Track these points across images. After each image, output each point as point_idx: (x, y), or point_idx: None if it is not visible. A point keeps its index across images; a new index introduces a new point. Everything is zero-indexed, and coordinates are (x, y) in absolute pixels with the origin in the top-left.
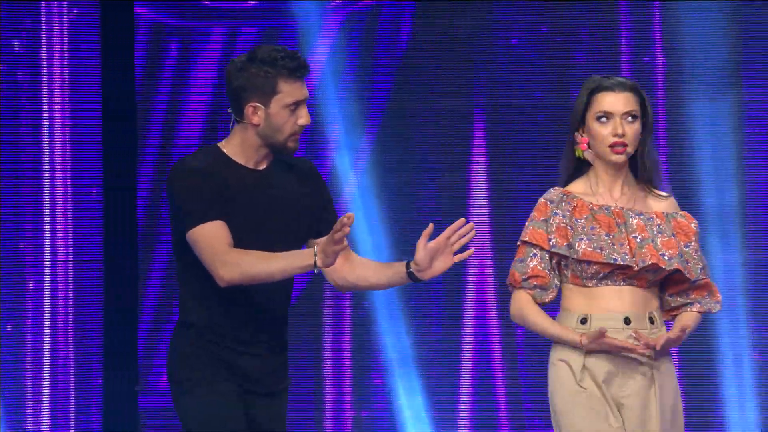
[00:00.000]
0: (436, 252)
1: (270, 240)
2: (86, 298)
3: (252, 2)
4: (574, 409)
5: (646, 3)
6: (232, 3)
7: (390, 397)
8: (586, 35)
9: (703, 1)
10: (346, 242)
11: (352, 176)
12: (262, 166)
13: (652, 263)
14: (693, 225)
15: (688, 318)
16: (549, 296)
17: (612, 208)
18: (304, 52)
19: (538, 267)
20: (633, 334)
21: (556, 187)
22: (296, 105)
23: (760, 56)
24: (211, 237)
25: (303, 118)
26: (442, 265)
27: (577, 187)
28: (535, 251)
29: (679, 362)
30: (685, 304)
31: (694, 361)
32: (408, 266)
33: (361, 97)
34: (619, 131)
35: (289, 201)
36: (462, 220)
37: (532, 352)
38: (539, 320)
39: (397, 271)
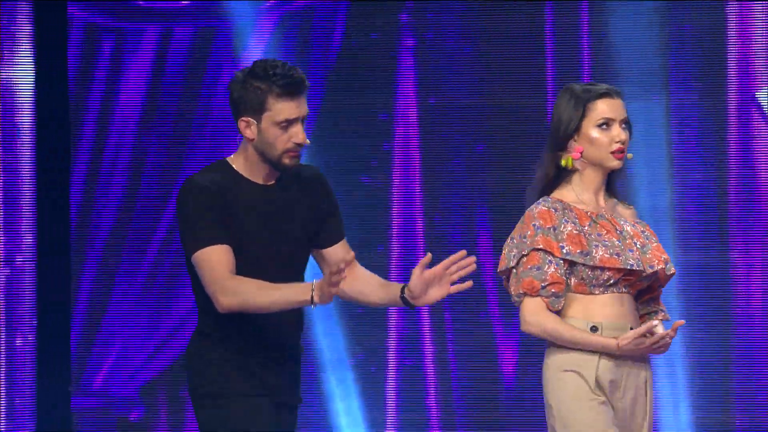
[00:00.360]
0: (432, 281)
1: (278, 256)
2: (19, 298)
3: (185, 2)
4: (595, 421)
5: (573, 3)
6: (166, 3)
7: (324, 398)
8: (515, 36)
9: (632, 1)
10: (342, 283)
11: None
12: (270, 181)
13: (661, 268)
14: (652, 231)
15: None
16: (561, 304)
17: (605, 215)
18: (237, 52)
19: (556, 274)
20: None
21: (547, 197)
22: (288, 123)
23: (688, 58)
24: (213, 262)
25: (296, 136)
26: (437, 293)
27: (566, 195)
28: (550, 258)
29: None
30: (650, 312)
31: None
32: (403, 291)
33: None
34: (622, 137)
35: (297, 215)
36: (463, 252)
37: (464, 353)
38: (562, 327)
39: (393, 293)
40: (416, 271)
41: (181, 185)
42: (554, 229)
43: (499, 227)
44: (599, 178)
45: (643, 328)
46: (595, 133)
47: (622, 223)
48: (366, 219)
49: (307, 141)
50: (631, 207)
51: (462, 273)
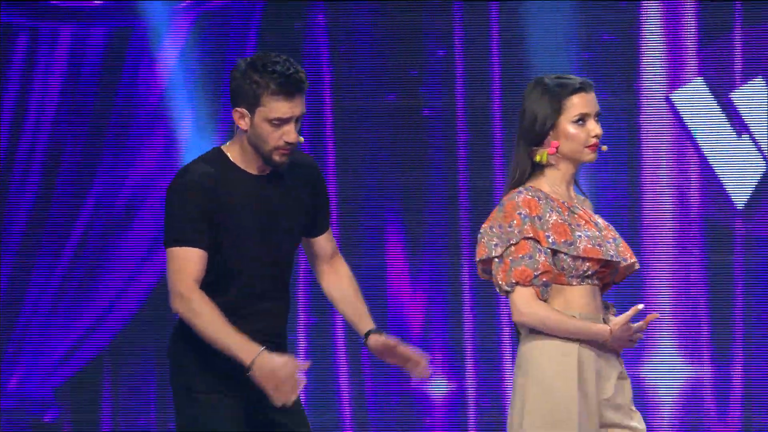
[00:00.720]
0: (392, 354)
1: (269, 247)
2: None
3: (100, 2)
4: (576, 401)
5: (483, 3)
6: (81, 2)
7: None
8: (425, 35)
9: (545, 0)
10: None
11: None
12: (266, 171)
13: (633, 261)
14: None
15: None
16: (549, 293)
17: (578, 207)
18: (153, 51)
19: (547, 263)
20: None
21: (528, 186)
22: (280, 121)
23: (600, 57)
24: (183, 262)
25: (288, 135)
26: (391, 361)
27: (540, 184)
28: (539, 247)
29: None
30: (605, 306)
31: None
32: (367, 335)
33: (212, 98)
34: (598, 131)
35: (290, 206)
36: (425, 363)
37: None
38: (556, 316)
39: (357, 326)
40: (380, 339)
41: (176, 174)
42: (539, 219)
43: (412, 228)
44: (571, 171)
45: (631, 311)
46: (571, 128)
47: (594, 214)
48: None
49: (301, 139)
50: (587, 200)
51: (417, 375)
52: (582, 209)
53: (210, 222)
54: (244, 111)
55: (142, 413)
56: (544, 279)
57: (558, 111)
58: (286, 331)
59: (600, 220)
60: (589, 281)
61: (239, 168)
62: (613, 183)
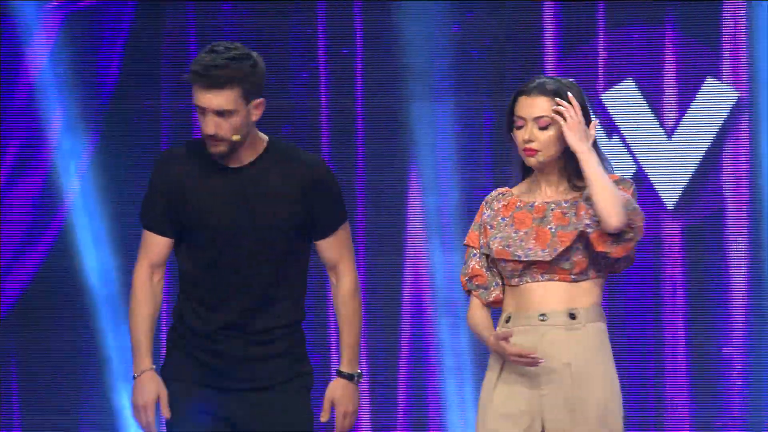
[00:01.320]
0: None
1: (248, 243)
2: None
3: None
4: None
5: (345, 3)
6: None
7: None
8: (293, 36)
9: (407, 1)
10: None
11: (74, 180)
12: (245, 163)
13: (543, 255)
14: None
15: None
16: (492, 295)
17: (536, 203)
18: (23, 51)
19: (476, 266)
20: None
21: (499, 189)
22: (201, 110)
23: (474, 59)
24: (144, 245)
25: (203, 126)
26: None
27: (520, 186)
28: (475, 251)
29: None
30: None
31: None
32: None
33: (83, 99)
34: (525, 137)
35: (268, 202)
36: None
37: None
38: (473, 323)
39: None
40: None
41: (161, 152)
42: (482, 224)
43: None
44: (545, 170)
45: (500, 333)
46: (514, 132)
47: (551, 209)
48: None
49: (219, 133)
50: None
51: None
52: (541, 204)
53: (173, 206)
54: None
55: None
56: (477, 282)
57: (510, 113)
58: (279, 328)
59: (555, 213)
60: (529, 279)
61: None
62: (488, 183)
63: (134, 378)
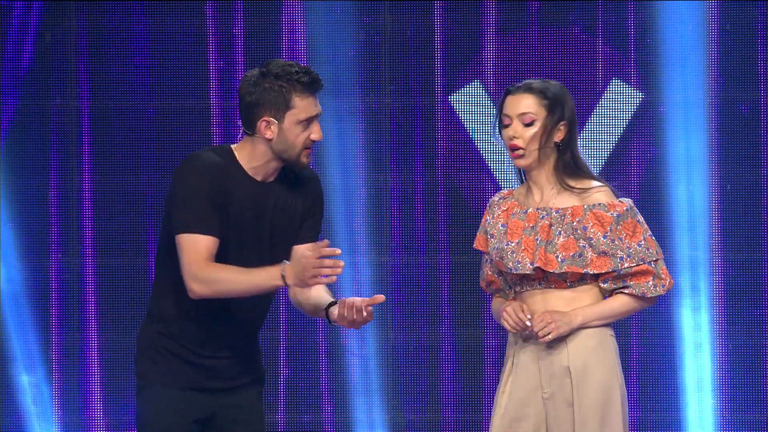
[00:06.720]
0: (351, 308)
1: (264, 253)
2: None
3: None
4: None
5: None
6: None
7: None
8: (182, 35)
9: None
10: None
11: None
12: (270, 179)
13: (537, 267)
14: (611, 213)
15: (606, 301)
16: (511, 296)
17: (529, 210)
18: None
19: (489, 273)
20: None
21: (502, 190)
22: (309, 121)
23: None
24: (194, 248)
25: (315, 133)
26: (357, 317)
27: (521, 188)
28: (486, 257)
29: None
30: (622, 289)
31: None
32: (328, 308)
33: None
34: (509, 134)
35: (290, 215)
36: (380, 299)
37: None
38: (494, 309)
39: (319, 306)
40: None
41: (185, 158)
42: (485, 229)
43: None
44: (534, 175)
45: (517, 303)
46: (503, 132)
47: (542, 218)
48: (62, 217)
49: (322, 136)
50: (593, 190)
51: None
52: (533, 212)
53: (216, 211)
54: (271, 119)
55: None
56: (494, 288)
57: (500, 114)
58: (255, 318)
59: (542, 224)
60: (528, 287)
61: (244, 170)
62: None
63: (283, 275)
